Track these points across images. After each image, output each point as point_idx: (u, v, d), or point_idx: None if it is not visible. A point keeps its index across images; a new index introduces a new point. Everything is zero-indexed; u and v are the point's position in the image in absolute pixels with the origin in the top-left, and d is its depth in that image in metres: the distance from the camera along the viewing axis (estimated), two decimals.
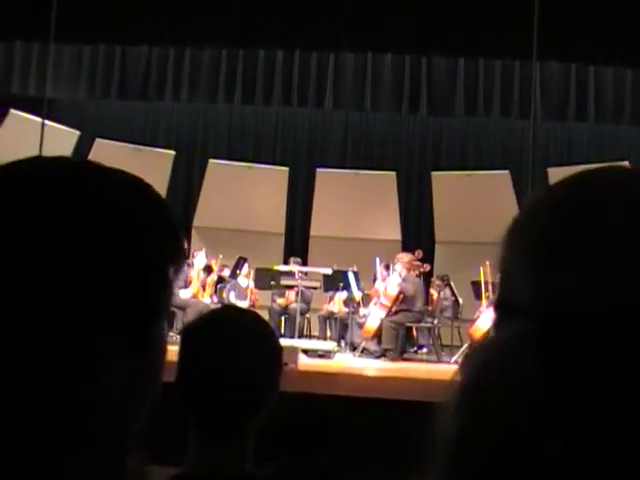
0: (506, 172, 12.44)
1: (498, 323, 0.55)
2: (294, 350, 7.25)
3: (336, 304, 10.40)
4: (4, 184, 0.66)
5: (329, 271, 10.08)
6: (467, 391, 0.49)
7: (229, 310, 1.73)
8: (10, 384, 0.62)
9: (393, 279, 9.39)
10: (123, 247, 0.66)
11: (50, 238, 0.63)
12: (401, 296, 9.29)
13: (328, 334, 10.37)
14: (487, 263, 9.54)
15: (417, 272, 9.82)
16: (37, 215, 0.64)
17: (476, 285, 9.90)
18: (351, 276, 9.77)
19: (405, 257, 9.71)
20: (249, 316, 1.51)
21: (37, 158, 0.71)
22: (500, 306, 0.56)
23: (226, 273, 11.01)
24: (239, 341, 1.40)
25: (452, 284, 10.39)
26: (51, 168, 0.69)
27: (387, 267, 9.97)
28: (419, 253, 10.32)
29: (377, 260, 10.03)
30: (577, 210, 0.53)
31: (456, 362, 8.44)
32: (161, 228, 0.70)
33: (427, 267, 10.27)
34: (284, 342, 7.02)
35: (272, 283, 9.99)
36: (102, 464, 0.67)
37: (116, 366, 0.66)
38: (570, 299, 0.49)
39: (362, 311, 9.83)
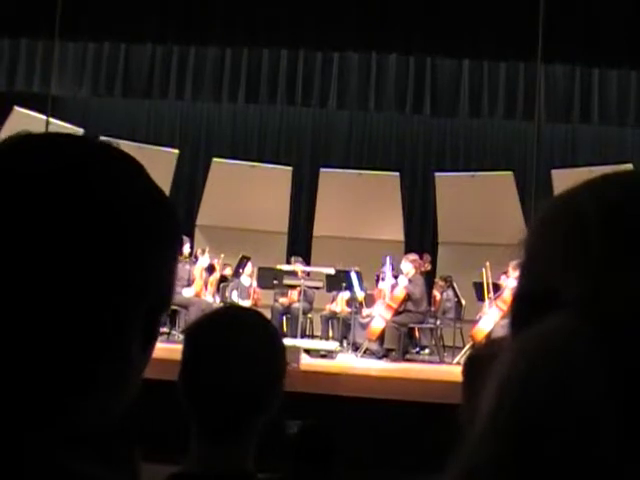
0: (510, 173, 12.42)
1: (528, 315, 0.52)
2: (296, 350, 7.24)
3: (339, 304, 10.40)
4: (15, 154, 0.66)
5: (332, 271, 10.06)
6: (519, 387, 0.48)
7: (233, 309, 1.73)
8: (39, 358, 0.62)
9: (400, 281, 9.37)
10: (142, 233, 0.67)
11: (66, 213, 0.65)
12: (407, 298, 9.28)
13: (330, 334, 10.37)
14: (488, 264, 9.53)
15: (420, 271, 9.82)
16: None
17: (478, 286, 9.88)
18: (354, 276, 9.75)
19: (414, 257, 9.69)
20: (253, 315, 1.50)
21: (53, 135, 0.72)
22: (531, 297, 0.53)
23: (229, 272, 11.02)
24: (243, 340, 1.39)
25: (455, 285, 10.37)
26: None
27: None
28: (427, 257, 10.30)
29: (388, 259, 9.98)
30: (634, 211, 0.52)
31: (458, 363, 8.41)
32: (164, 222, 0.71)
33: (428, 266, 10.30)
34: (286, 342, 7.01)
35: (275, 282, 9.98)
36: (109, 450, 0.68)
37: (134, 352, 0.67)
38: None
39: (365, 311, 9.82)
